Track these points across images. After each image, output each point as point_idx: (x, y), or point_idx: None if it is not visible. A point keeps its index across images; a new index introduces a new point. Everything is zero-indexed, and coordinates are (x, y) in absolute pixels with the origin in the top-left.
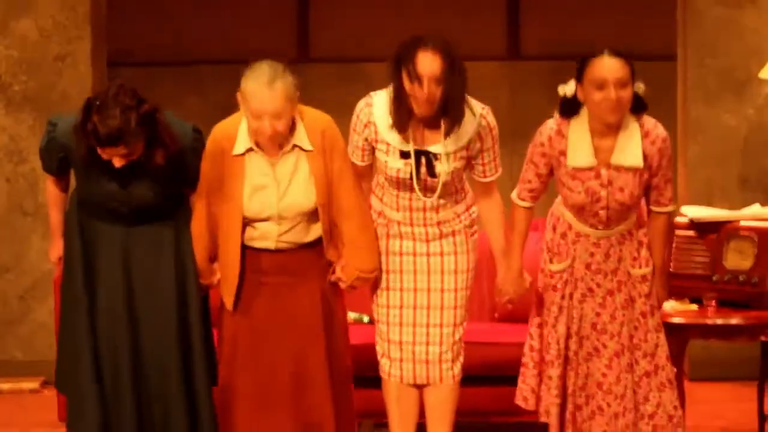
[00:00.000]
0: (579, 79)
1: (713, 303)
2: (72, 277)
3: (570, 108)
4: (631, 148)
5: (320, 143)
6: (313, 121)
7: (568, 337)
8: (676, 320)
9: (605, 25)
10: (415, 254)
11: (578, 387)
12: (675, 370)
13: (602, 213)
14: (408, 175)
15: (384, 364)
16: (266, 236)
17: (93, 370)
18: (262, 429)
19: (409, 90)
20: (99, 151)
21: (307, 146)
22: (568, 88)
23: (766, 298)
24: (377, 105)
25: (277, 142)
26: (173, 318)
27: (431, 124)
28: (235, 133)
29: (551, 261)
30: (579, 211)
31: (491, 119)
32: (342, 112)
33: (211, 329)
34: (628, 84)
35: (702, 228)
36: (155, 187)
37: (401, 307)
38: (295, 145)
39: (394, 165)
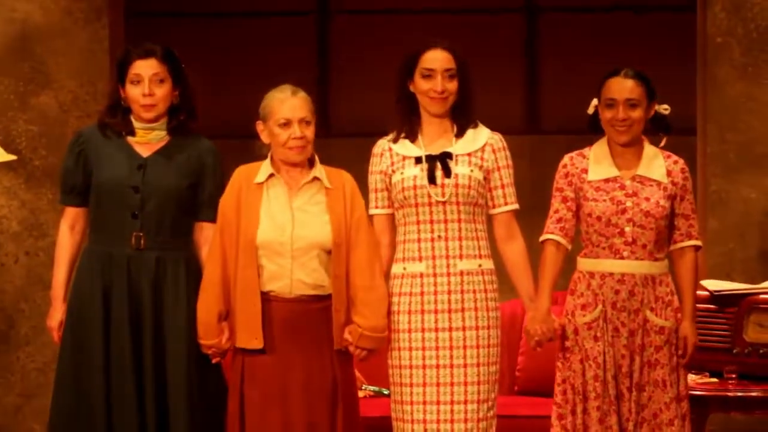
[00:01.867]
0: (598, 98)
1: (734, 376)
2: (84, 330)
3: (593, 125)
4: (655, 165)
5: (341, 188)
6: (334, 171)
7: (612, 382)
8: (697, 392)
9: None
10: (437, 330)
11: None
12: None
13: (628, 230)
14: (424, 181)
15: None
16: (280, 274)
17: None
18: None
19: (424, 91)
20: (131, 68)
21: (327, 183)
22: (591, 108)
23: None
24: (391, 134)
25: (306, 152)
26: (184, 354)
27: (443, 129)
28: (259, 166)
29: (583, 315)
30: (603, 230)
31: (501, 139)
32: (362, 187)
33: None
34: (639, 105)
35: (722, 301)
36: (171, 179)
37: (424, 385)
38: (315, 178)
39: (410, 174)
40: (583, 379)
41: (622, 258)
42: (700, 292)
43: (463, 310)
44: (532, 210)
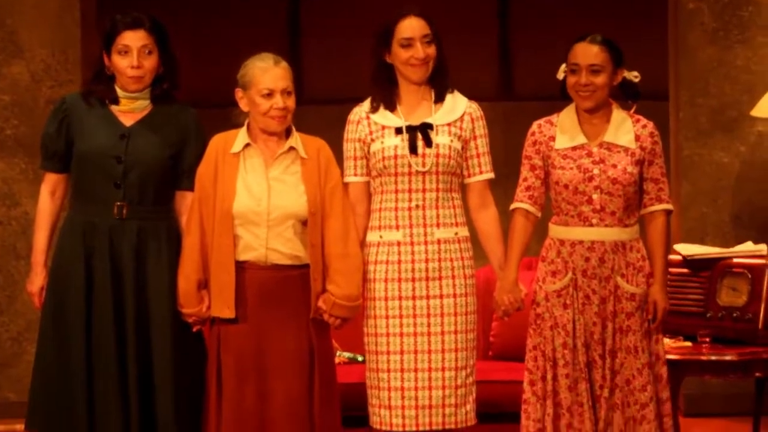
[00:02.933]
0: (566, 63)
1: (707, 340)
2: (66, 297)
3: (564, 91)
4: (622, 130)
5: (316, 157)
6: (309, 139)
7: (581, 349)
8: (671, 357)
9: None
10: (414, 298)
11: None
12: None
13: (596, 197)
14: (405, 151)
15: (384, 415)
16: (256, 244)
17: (87, 418)
18: None
19: (405, 60)
20: (118, 39)
21: (303, 153)
22: (560, 71)
23: (760, 335)
24: (367, 103)
25: (287, 122)
26: (168, 320)
27: (421, 99)
28: (235, 135)
29: (553, 282)
30: (571, 198)
31: (479, 109)
32: (336, 153)
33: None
34: (603, 71)
35: (695, 265)
36: (154, 149)
37: (402, 352)
38: (291, 148)
39: (390, 143)
40: (552, 346)
41: (591, 225)
42: (673, 257)
43: (440, 278)
44: (506, 177)
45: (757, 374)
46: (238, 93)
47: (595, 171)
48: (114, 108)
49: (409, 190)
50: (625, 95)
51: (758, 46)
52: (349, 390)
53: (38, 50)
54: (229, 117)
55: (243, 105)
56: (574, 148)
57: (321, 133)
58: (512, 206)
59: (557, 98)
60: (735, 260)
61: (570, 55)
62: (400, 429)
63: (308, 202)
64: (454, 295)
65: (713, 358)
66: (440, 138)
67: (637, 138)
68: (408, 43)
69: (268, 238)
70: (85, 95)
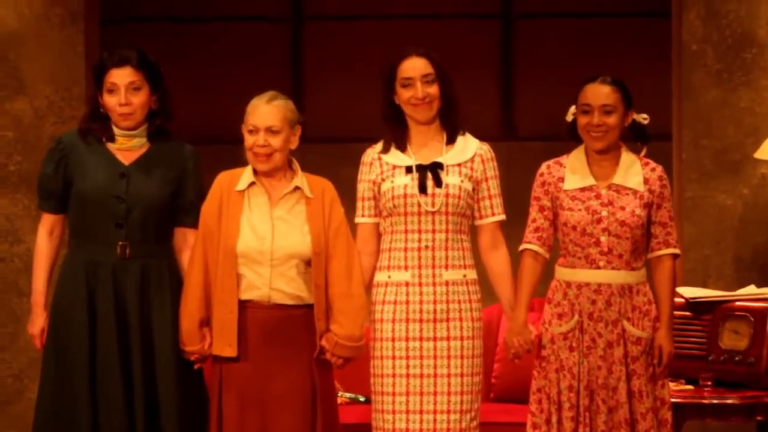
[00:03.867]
0: (576, 104)
1: (709, 383)
2: (68, 337)
3: (572, 133)
4: (631, 173)
5: (321, 197)
6: (314, 179)
7: (578, 391)
8: (673, 399)
9: None
10: (421, 339)
11: None
12: None
13: (603, 239)
14: (415, 190)
15: None
16: (259, 283)
17: None
18: None
19: (406, 100)
20: (106, 77)
21: (308, 193)
22: (569, 113)
23: (762, 378)
24: (379, 144)
25: (271, 162)
26: (172, 359)
27: (431, 138)
28: (240, 173)
29: (559, 324)
30: (579, 239)
31: (490, 150)
32: (339, 192)
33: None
34: (615, 111)
35: (698, 308)
36: (154, 188)
37: (407, 394)
38: (296, 188)
39: (400, 182)
40: (558, 389)
41: (598, 268)
42: (675, 299)
43: (447, 320)
44: (508, 217)
45: (759, 418)
46: (243, 128)
47: (604, 213)
48: (111, 146)
49: (419, 231)
50: (635, 137)
51: (762, 89)
52: (350, 430)
53: (42, 86)
54: (235, 154)
55: (244, 135)
56: (582, 190)
57: (323, 172)
58: (521, 247)
59: (559, 139)
60: (737, 303)
61: (581, 96)
62: None
63: (312, 242)
64: (461, 338)
65: (715, 401)
66: (450, 178)
67: (646, 181)
68: (408, 83)
69: (272, 277)
70: (82, 133)
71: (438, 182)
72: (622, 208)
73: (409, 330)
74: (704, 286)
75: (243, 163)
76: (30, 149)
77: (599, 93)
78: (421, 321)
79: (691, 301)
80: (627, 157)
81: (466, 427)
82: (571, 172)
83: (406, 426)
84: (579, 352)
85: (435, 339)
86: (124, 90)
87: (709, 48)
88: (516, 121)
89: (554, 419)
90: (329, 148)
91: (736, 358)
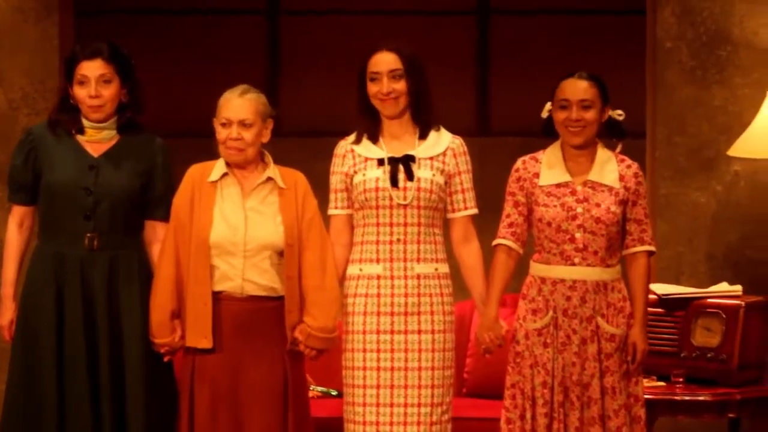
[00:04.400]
0: (552, 100)
1: (681, 380)
2: (36, 328)
3: (547, 129)
4: (607, 170)
5: (293, 188)
6: (287, 171)
7: (552, 387)
8: (645, 396)
9: None
10: (392, 332)
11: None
12: None
13: (578, 236)
14: (386, 184)
15: None
16: (232, 275)
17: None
18: None
19: (373, 94)
20: (77, 69)
21: (281, 183)
22: (544, 111)
23: (733, 375)
24: (352, 136)
25: (243, 155)
26: (140, 352)
27: (404, 132)
28: (212, 165)
29: (534, 320)
30: (554, 236)
31: (464, 145)
32: (314, 186)
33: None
34: (593, 106)
35: (670, 305)
36: (123, 180)
37: (378, 387)
38: (269, 178)
39: (372, 175)
40: (532, 385)
41: (573, 264)
42: (649, 296)
43: (419, 313)
44: (482, 211)
45: (731, 415)
46: (215, 121)
47: (579, 209)
48: (81, 138)
49: (390, 224)
50: (611, 134)
51: (735, 86)
52: (322, 424)
53: (16, 78)
54: (208, 147)
55: (215, 128)
56: (558, 186)
57: (299, 166)
58: (495, 242)
59: (534, 134)
60: (710, 300)
61: (558, 91)
62: None
63: (285, 233)
64: (433, 332)
65: (687, 398)
66: (422, 172)
67: (621, 178)
68: (376, 77)
69: (245, 268)
70: (52, 125)
71: (410, 175)
72: (597, 205)
73: (380, 323)
74: (677, 283)
75: (216, 156)
76: (4, 141)
77: (577, 88)
78: (392, 314)
79: (664, 297)
80: (603, 153)
81: (437, 420)
82: (547, 167)
83: (377, 419)
84: (553, 348)
85: (406, 332)
86: (95, 82)
87: (684, 45)
88: (491, 116)
89: (528, 415)
90: (305, 142)
91: (708, 355)
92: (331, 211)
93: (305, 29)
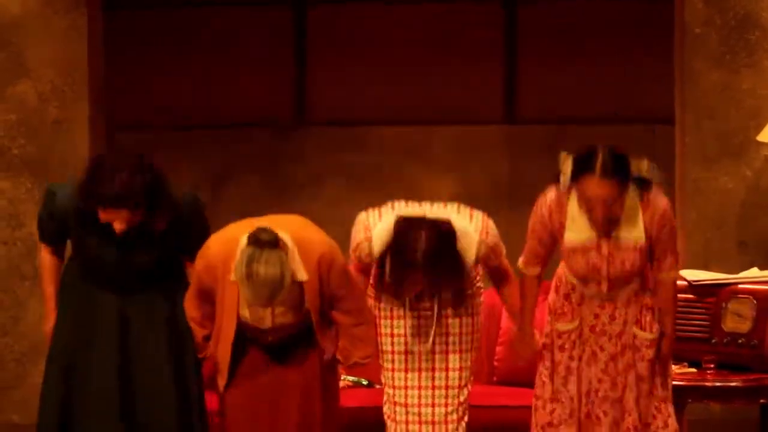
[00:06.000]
0: (574, 178)
1: (712, 366)
2: (54, 353)
3: (563, 180)
4: (632, 226)
5: (316, 269)
6: (309, 248)
7: (579, 398)
8: (675, 382)
9: (603, 90)
10: (420, 317)
11: None
12: None
13: (604, 285)
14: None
15: (390, 426)
16: (261, 320)
17: None
18: None
19: (403, 273)
20: (101, 212)
21: (303, 276)
22: (565, 172)
23: (765, 361)
24: (376, 243)
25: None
26: (171, 390)
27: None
28: (232, 257)
29: (558, 321)
30: (582, 278)
31: (491, 238)
32: (339, 176)
33: (204, 398)
34: (618, 199)
35: (700, 291)
36: (153, 253)
37: (406, 370)
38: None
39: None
40: (552, 380)
41: (602, 290)
42: (678, 283)
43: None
44: (512, 198)
45: (762, 400)
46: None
47: (603, 266)
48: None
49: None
50: (638, 187)
51: (765, 70)
52: (353, 414)
53: (45, 70)
54: (237, 137)
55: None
56: (582, 244)
57: (323, 155)
58: (523, 271)
59: (562, 122)
60: (740, 286)
61: (580, 185)
62: None
63: (312, 311)
64: (460, 315)
65: (718, 384)
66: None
67: (647, 230)
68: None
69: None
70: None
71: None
72: (622, 262)
73: (407, 307)
74: (706, 269)
75: (248, 148)
76: (33, 132)
77: (601, 190)
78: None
79: (694, 283)
80: (629, 204)
81: (464, 400)
82: (571, 221)
83: (405, 401)
84: (572, 357)
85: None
86: (123, 222)
87: (712, 31)
88: (518, 104)
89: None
90: (331, 131)
91: (739, 341)
92: (358, 255)
93: (331, 19)
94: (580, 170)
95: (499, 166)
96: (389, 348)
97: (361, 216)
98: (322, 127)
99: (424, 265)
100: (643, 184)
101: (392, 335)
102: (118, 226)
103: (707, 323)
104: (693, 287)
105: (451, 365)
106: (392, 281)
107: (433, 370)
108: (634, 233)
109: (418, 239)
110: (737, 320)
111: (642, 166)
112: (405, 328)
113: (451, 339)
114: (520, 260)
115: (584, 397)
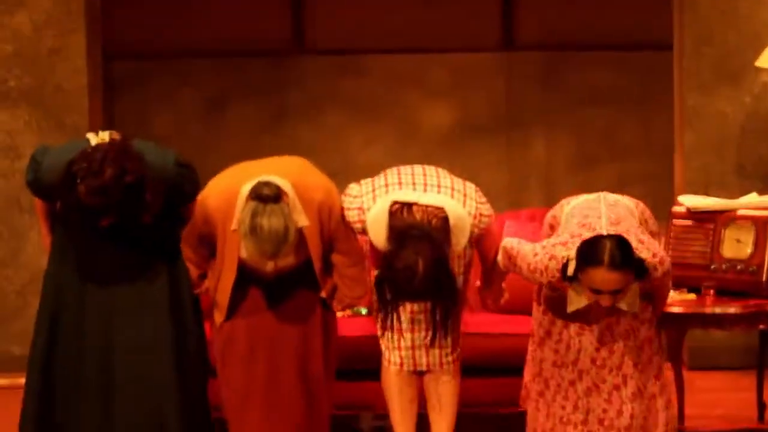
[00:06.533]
0: (579, 268)
1: (711, 292)
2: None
3: (566, 276)
4: (629, 297)
5: (317, 215)
6: (310, 195)
7: (562, 365)
8: (675, 310)
9: (600, 15)
10: None
11: (579, 421)
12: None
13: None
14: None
15: (385, 352)
16: (263, 265)
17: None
18: (275, 425)
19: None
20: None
21: (304, 222)
22: (570, 267)
23: (764, 287)
24: (375, 238)
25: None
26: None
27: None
28: (232, 208)
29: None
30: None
31: (484, 222)
32: (338, 104)
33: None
34: (625, 288)
35: (699, 217)
36: (143, 240)
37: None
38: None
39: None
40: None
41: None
42: (677, 208)
43: None
44: (510, 123)
45: (761, 327)
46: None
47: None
48: None
49: None
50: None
51: None
52: (351, 342)
53: (40, 0)
54: (231, 67)
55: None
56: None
57: (326, 83)
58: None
59: (559, 48)
60: (739, 212)
61: (586, 276)
62: (398, 367)
63: (314, 259)
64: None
65: (717, 310)
66: None
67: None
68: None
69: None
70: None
71: None
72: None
73: None
74: (705, 193)
75: (246, 76)
76: (29, 63)
77: (609, 281)
78: None
79: (693, 210)
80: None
81: (458, 325)
82: (571, 298)
83: (399, 326)
84: (551, 320)
85: None
86: (103, 221)
87: None
88: (516, 30)
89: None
90: (331, 59)
91: (738, 267)
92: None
93: None
94: (584, 262)
95: (497, 93)
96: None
97: (353, 190)
98: (321, 55)
99: (418, 293)
100: (641, 273)
101: None
102: (103, 222)
103: (706, 249)
104: (692, 213)
105: None
106: (386, 301)
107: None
108: (631, 308)
109: (414, 266)
110: (736, 246)
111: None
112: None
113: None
114: (509, 241)
115: (570, 365)
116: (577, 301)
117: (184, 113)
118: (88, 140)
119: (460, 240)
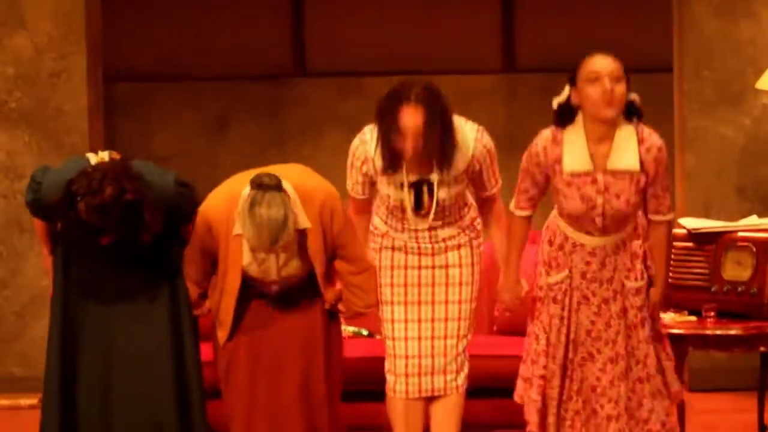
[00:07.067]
0: (573, 83)
1: (712, 314)
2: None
3: (564, 115)
4: (627, 153)
5: (318, 217)
6: (310, 196)
7: (567, 345)
8: (675, 331)
9: (601, 38)
10: (420, 267)
11: (574, 392)
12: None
13: (598, 220)
14: (411, 204)
15: (389, 380)
16: (266, 273)
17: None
18: None
19: (394, 141)
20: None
21: (305, 224)
22: (562, 96)
23: (764, 309)
24: (371, 141)
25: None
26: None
27: (426, 161)
28: (231, 216)
29: (548, 274)
30: (575, 219)
31: (486, 141)
32: (339, 126)
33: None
34: (622, 79)
35: (700, 239)
36: (144, 260)
37: (406, 321)
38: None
39: (397, 196)
40: (546, 334)
41: (593, 236)
42: (677, 230)
43: (446, 250)
44: (510, 147)
45: (762, 348)
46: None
47: (599, 200)
48: None
49: (416, 223)
50: (628, 114)
51: (763, 20)
52: (353, 364)
53: (41, 22)
54: (233, 90)
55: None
56: (579, 175)
57: (324, 105)
58: (514, 212)
59: (560, 70)
60: (740, 234)
61: (582, 68)
62: (403, 396)
63: (316, 265)
64: (460, 265)
65: (718, 332)
66: (444, 192)
67: (642, 162)
68: (404, 132)
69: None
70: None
71: (432, 195)
72: (617, 196)
73: (408, 260)
74: (706, 216)
75: (247, 98)
76: (30, 85)
77: (605, 62)
78: (419, 254)
79: (694, 232)
80: (624, 131)
81: (463, 350)
82: (568, 154)
83: (405, 353)
84: (563, 307)
85: (433, 267)
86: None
87: None
88: (516, 52)
89: (541, 361)
90: (332, 81)
91: (739, 289)
92: (352, 193)
93: None
94: (578, 61)
95: (497, 114)
96: (389, 299)
97: (352, 145)
98: (322, 78)
99: (417, 102)
100: (634, 112)
101: (392, 285)
102: (103, 241)
103: (707, 272)
104: (692, 235)
105: (450, 315)
106: (384, 146)
107: (433, 320)
108: (629, 163)
109: (413, 85)
110: (737, 268)
111: (632, 93)
112: (405, 277)
113: (450, 289)
114: (512, 202)
115: (572, 344)
116: (572, 158)
117: (185, 135)
118: (87, 160)
119: (464, 146)
